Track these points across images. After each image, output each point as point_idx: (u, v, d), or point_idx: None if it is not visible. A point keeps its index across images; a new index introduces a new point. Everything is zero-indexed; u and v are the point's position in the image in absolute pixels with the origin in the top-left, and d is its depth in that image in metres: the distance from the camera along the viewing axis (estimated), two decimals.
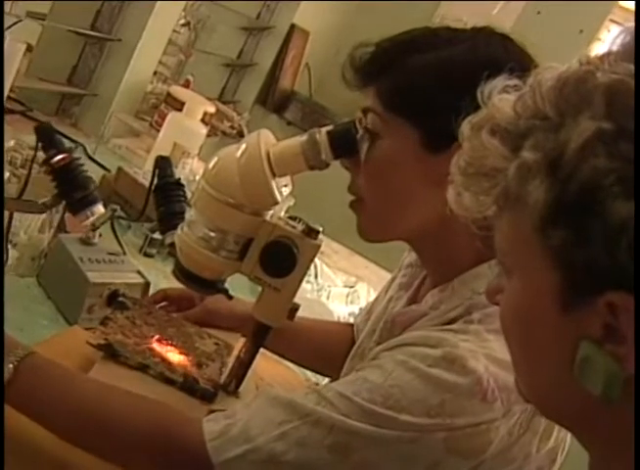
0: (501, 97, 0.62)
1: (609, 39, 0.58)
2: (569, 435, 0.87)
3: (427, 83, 0.92)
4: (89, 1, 2.60)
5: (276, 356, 1.45)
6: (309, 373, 1.48)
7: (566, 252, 0.55)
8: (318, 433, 0.81)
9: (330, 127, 0.98)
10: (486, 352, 0.82)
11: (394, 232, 1.00)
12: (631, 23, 0.60)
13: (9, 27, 2.20)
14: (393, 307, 1.08)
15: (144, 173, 1.87)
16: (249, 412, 0.86)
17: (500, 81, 0.64)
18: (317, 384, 1.50)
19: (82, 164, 1.34)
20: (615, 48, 0.58)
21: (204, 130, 2.33)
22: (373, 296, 2.00)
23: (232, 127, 3.09)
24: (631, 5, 3.78)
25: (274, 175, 0.98)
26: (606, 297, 0.53)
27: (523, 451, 0.84)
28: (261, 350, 1.13)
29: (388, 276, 2.60)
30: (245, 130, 3.09)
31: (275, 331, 1.08)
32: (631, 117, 0.54)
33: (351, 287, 2.02)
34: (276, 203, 1.00)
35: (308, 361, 1.37)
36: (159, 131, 2.30)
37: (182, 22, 3.25)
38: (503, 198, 0.60)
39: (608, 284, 0.53)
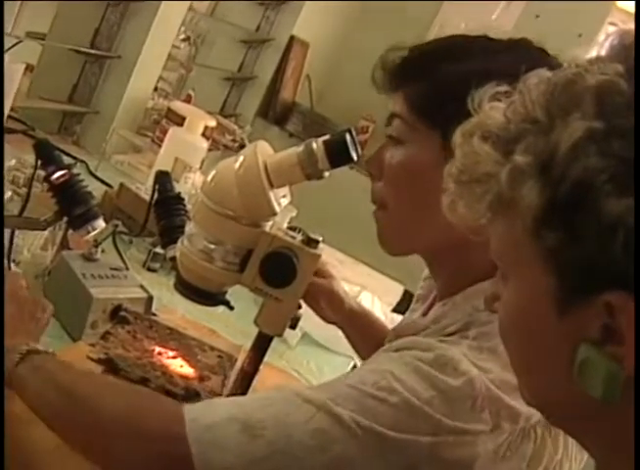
0: (492, 104, 0.62)
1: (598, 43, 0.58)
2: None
3: (458, 92, 0.89)
4: (88, 19, 2.61)
5: (280, 366, 1.45)
6: (315, 382, 1.48)
7: (560, 253, 0.55)
8: (303, 413, 0.77)
9: (326, 137, 0.98)
10: (479, 365, 0.80)
11: (417, 242, 0.97)
12: (621, 27, 0.60)
13: (9, 48, 2.21)
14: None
15: (146, 189, 1.87)
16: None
17: (490, 88, 0.64)
18: None
19: (82, 180, 1.35)
20: (603, 51, 0.58)
21: (205, 145, 2.34)
22: (378, 305, 1.99)
23: (234, 141, 3.10)
24: (630, 7, 3.79)
25: (272, 186, 0.98)
26: (603, 297, 0.53)
27: None
28: (266, 358, 1.13)
29: (392, 285, 2.59)
30: (246, 143, 3.09)
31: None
32: (622, 115, 0.53)
33: (356, 297, 2.01)
34: (274, 214, 1.00)
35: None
36: (160, 147, 2.31)
37: (182, 36, 3.26)
38: (496, 203, 0.59)
39: (604, 284, 0.53)
